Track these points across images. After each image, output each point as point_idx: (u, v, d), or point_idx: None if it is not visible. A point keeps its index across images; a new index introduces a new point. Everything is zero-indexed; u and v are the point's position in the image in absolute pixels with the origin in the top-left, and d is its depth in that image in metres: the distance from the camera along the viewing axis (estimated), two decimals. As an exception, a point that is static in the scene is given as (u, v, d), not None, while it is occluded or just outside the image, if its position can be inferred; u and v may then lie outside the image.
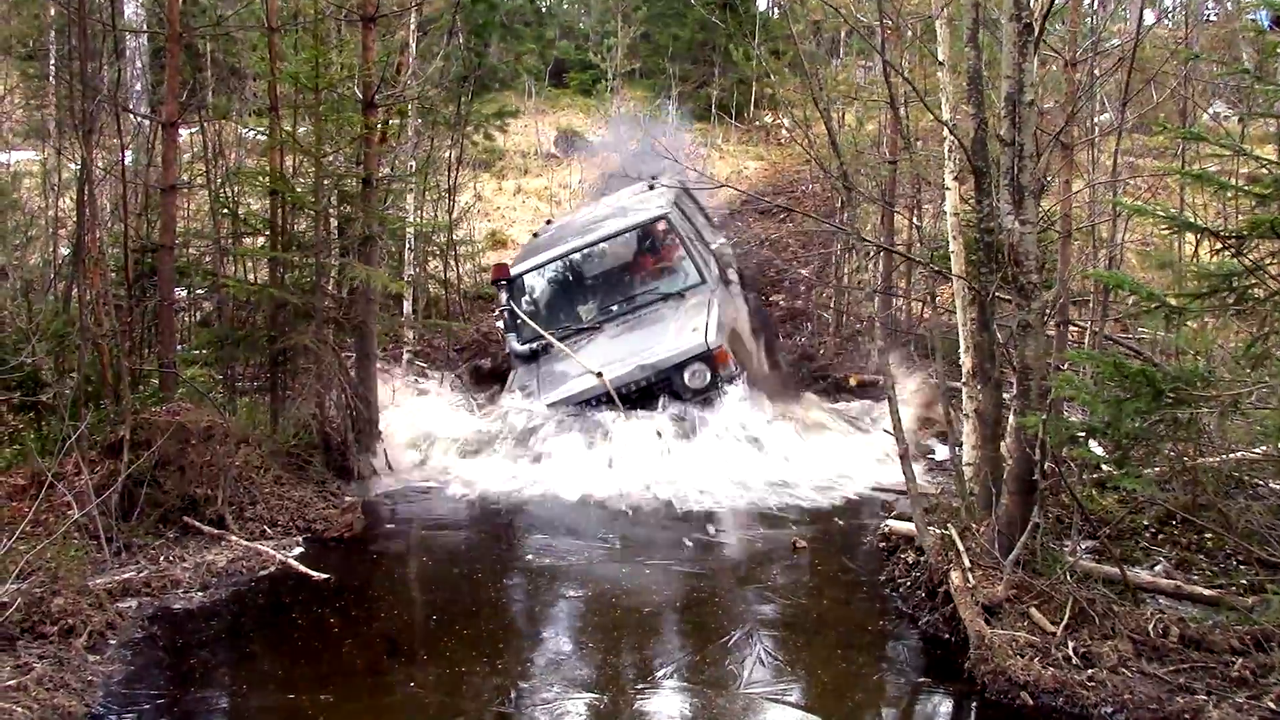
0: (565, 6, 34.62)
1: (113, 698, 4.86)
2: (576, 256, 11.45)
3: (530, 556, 6.95)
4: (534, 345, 10.75)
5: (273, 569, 6.57)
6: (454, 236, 17.37)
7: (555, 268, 11.51)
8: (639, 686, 4.95)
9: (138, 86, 14.82)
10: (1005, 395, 5.97)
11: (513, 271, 11.35)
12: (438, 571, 6.79)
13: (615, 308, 10.86)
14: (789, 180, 23.27)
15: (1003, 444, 5.86)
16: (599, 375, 9.45)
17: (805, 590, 6.20)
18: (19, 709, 4.42)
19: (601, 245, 11.42)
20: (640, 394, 9.46)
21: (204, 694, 4.98)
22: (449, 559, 7.00)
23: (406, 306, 15.28)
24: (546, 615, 5.99)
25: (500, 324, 11.46)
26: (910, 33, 10.96)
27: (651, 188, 12.26)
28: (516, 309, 11.04)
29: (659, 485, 8.19)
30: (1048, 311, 6.07)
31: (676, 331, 9.85)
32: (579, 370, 9.74)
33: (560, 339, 10.59)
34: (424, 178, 15.26)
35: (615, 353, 9.92)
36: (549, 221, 14.78)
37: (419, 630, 5.75)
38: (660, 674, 5.08)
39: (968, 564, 5.47)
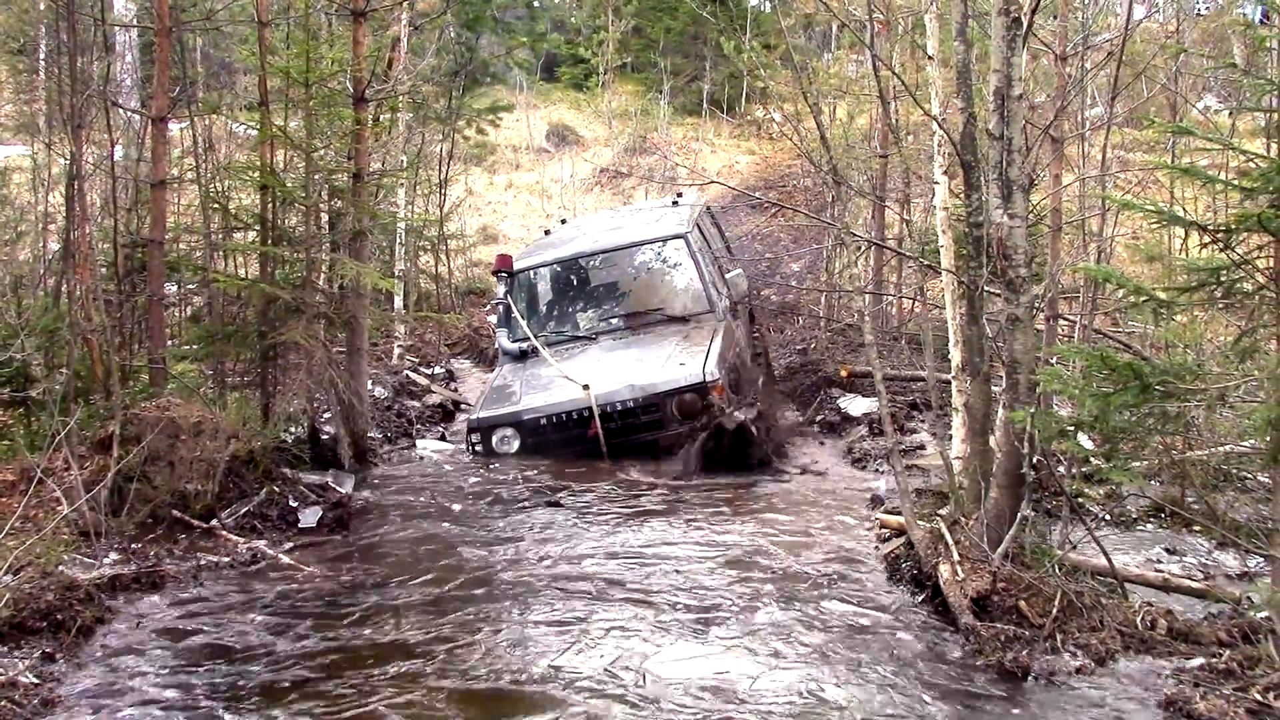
0: (556, 0, 34.59)
1: (103, 692, 4.85)
2: (585, 262, 11.24)
3: (522, 539, 6.91)
4: (524, 345, 10.58)
5: (263, 563, 6.58)
6: (445, 231, 17.40)
7: (560, 269, 11.28)
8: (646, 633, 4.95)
9: (128, 81, 14.81)
10: (994, 389, 5.98)
11: (516, 266, 11.17)
12: (427, 557, 6.76)
13: (615, 321, 10.63)
14: (781, 175, 23.32)
15: (991, 438, 5.87)
16: (585, 388, 9.16)
17: (799, 578, 6.19)
18: (9, 704, 4.42)
19: (612, 254, 11.16)
20: (623, 418, 9.16)
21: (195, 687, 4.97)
22: (438, 546, 6.97)
23: (398, 301, 15.31)
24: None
25: (493, 318, 11.32)
26: (900, 27, 10.98)
27: (675, 204, 12.12)
28: (513, 305, 10.86)
29: None
30: (1037, 305, 6.08)
31: (675, 358, 9.52)
32: (565, 380, 9.51)
33: (553, 344, 10.43)
34: (415, 172, 15.28)
35: (607, 369, 9.63)
36: (563, 221, 14.58)
37: (413, 615, 5.74)
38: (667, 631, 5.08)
39: (956, 557, 5.48)
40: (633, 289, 10.91)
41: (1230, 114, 12.40)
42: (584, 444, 9.18)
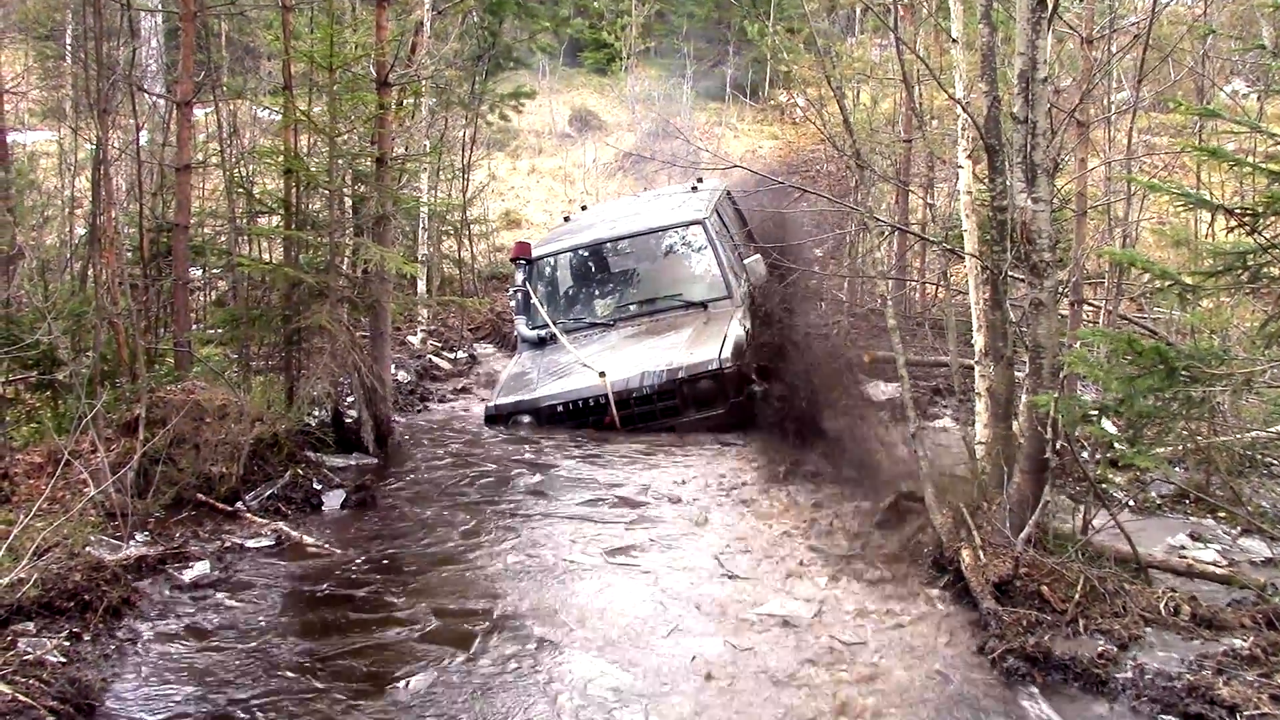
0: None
1: (130, 671, 4.90)
2: (602, 248, 11.26)
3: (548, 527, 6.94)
4: (543, 332, 10.60)
5: (287, 544, 6.62)
6: (468, 216, 17.43)
7: (578, 256, 11.31)
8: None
9: (153, 66, 14.92)
10: (1018, 374, 5.96)
11: (534, 253, 11.20)
12: (449, 536, 6.78)
13: (634, 308, 10.65)
14: (804, 159, 23.21)
15: (1015, 423, 5.86)
16: (601, 375, 9.17)
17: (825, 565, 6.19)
18: (37, 683, 4.47)
19: (629, 241, 11.20)
20: (639, 404, 9.17)
21: (229, 673, 5.02)
22: (458, 525, 6.98)
23: (421, 286, 15.35)
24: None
25: (513, 304, 11.35)
26: (924, 10, 10.91)
27: (695, 189, 12.13)
28: (531, 292, 10.89)
29: None
30: (1061, 290, 6.06)
31: (691, 344, 9.54)
32: (582, 367, 9.53)
33: (571, 330, 10.45)
34: (438, 157, 15.30)
35: (623, 355, 9.67)
36: (584, 208, 14.61)
37: (433, 597, 5.77)
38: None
39: (979, 542, 5.47)
40: (651, 275, 10.93)
41: (1258, 97, 12.27)
42: (600, 430, 9.22)
